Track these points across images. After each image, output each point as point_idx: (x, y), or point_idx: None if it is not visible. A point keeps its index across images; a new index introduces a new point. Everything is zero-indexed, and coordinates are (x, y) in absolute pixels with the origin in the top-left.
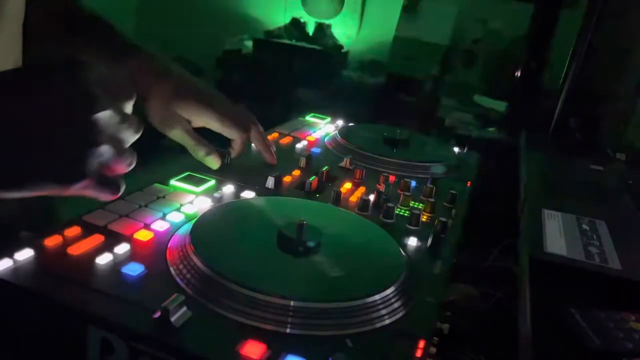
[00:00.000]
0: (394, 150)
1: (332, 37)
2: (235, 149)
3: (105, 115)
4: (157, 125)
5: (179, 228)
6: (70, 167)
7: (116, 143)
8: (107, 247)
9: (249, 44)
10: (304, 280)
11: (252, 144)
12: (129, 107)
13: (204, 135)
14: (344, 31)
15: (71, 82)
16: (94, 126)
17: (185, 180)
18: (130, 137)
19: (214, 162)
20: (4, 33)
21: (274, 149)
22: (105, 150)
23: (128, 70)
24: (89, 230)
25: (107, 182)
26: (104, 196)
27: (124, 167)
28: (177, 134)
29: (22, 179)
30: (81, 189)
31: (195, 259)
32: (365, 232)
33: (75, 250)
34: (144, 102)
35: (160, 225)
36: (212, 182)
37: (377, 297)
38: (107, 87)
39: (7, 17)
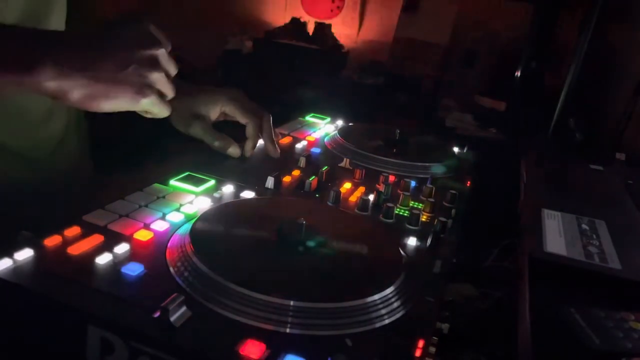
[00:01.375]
0: (394, 150)
1: (332, 37)
2: (249, 135)
3: (160, 52)
4: (181, 127)
5: (178, 228)
6: (142, 84)
7: (167, 74)
8: (107, 247)
9: (249, 44)
10: (304, 280)
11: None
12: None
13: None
14: (344, 31)
15: (138, 28)
16: (156, 57)
17: (185, 180)
18: (173, 71)
19: (234, 152)
20: (55, 14)
21: (278, 142)
22: (161, 76)
23: None
24: (89, 230)
25: (164, 101)
26: (164, 111)
27: (172, 92)
28: (198, 131)
29: (114, 92)
30: (149, 104)
31: (195, 258)
32: (365, 232)
33: (75, 250)
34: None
35: (160, 225)
36: (212, 182)
37: (377, 297)
38: (159, 35)
39: (55, 18)
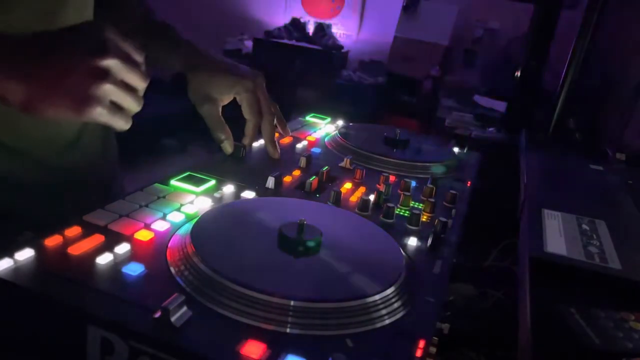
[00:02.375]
0: (394, 150)
1: (332, 37)
2: (247, 133)
3: (112, 61)
4: (193, 100)
5: (179, 228)
6: (82, 95)
7: (124, 85)
8: (108, 247)
9: (249, 44)
10: (304, 280)
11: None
12: (139, 58)
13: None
14: (344, 31)
15: (90, 35)
16: (103, 67)
17: (186, 180)
18: (138, 82)
19: (226, 148)
20: (70, 11)
21: (279, 143)
22: (110, 88)
23: (177, 56)
24: (89, 230)
25: (118, 113)
26: (117, 124)
27: (133, 105)
28: (205, 111)
29: (53, 100)
30: (97, 115)
31: (195, 259)
32: (365, 232)
33: (75, 250)
34: (188, 86)
35: (160, 225)
36: (212, 182)
37: (377, 297)
38: (118, 43)
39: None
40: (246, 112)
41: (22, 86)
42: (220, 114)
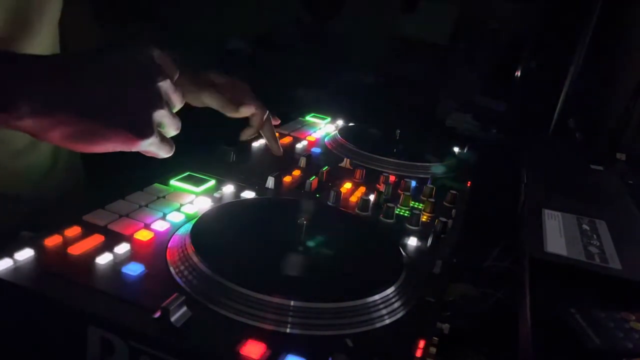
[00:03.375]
0: (394, 150)
1: (332, 36)
2: (254, 124)
3: (165, 84)
4: (192, 99)
5: (179, 228)
6: (141, 123)
7: (170, 108)
8: (107, 247)
9: (249, 44)
10: (304, 280)
11: (258, 139)
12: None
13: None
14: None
15: (141, 56)
16: (159, 92)
17: (185, 180)
18: (178, 104)
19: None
20: (44, 33)
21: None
22: (164, 113)
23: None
24: (89, 230)
25: (165, 140)
26: (164, 151)
27: (175, 129)
28: (209, 96)
29: (106, 130)
30: (148, 145)
31: (195, 259)
32: (365, 232)
33: (75, 250)
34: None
35: (160, 225)
36: (212, 182)
37: (377, 297)
38: (163, 62)
39: (47, 18)
40: (248, 108)
41: (64, 121)
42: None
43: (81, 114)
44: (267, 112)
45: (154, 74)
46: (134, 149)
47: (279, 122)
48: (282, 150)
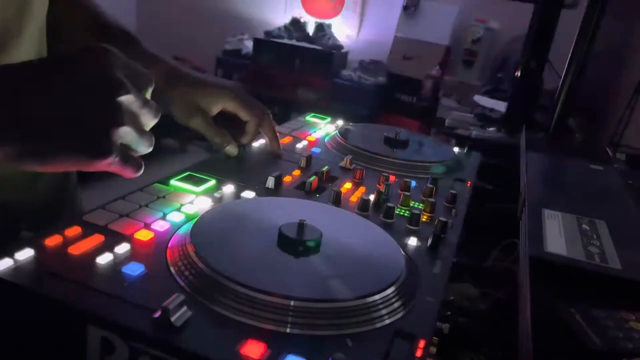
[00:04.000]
0: (394, 150)
1: (332, 37)
2: (249, 131)
3: (128, 99)
4: (181, 119)
5: (179, 228)
6: (96, 143)
7: (137, 125)
8: (108, 246)
9: (249, 44)
10: (304, 280)
11: (257, 140)
12: (148, 93)
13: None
14: (344, 31)
15: (97, 66)
16: (119, 107)
17: (186, 180)
18: (150, 121)
19: (231, 151)
20: (30, 29)
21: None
22: (127, 130)
23: (155, 73)
24: (89, 230)
25: (130, 159)
26: (128, 173)
27: (145, 147)
28: (198, 123)
29: (55, 151)
30: (106, 165)
31: (195, 258)
32: (365, 232)
33: (75, 250)
34: (168, 102)
35: (160, 225)
36: (212, 182)
37: (377, 297)
38: (129, 73)
39: (33, 15)
40: (245, 115)
41: (17, 137)
42: (213, 122)
43: (23, 134)
44: (265, 114)
45: (114, 87)
46: (92, 169)
47: (291, 138)
48: (282, 151)
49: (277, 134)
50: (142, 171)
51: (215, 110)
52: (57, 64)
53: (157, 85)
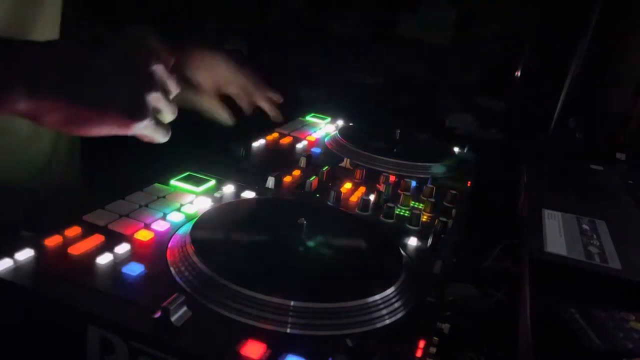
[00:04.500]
0: (394, 150)
1: (332, 36)
2: (242, 104)
3: (159, 69)
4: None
5: (179, 228)
6: (135, 105)
7: (165, 93)
8: (108, 247)
9: (249, 44)
10: (304, 280)
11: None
12: (169, 68)
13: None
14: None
15: (136, 42)
16: (153, 75)
17: (186, 180)
18: (174, 90)
19: (225, 117)
20: (44, 30)
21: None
22: (159, 96)
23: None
24: (89, 230)
25: (160, 124)
26: (159, 136)
27: (171, 114)
28: (188, 96)
29: (102, 112)
30: (143, 128)
31: (195, 258)
32: (365, 232)
33: (75, 250)
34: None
35: (160, 225)
36: (212, 182)
37: (377, 297)
38: (158, 49)
39: (45, 17)
40: (232, 89)
41: (58, 105)
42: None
43: (74, 99)
44: (252, 84)
45: (148, 59)
46: (129, 133)
47: (281, 100)
48: (281, 116)
49: (272, 100)
50: (169, 136)
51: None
52: (103, 41)
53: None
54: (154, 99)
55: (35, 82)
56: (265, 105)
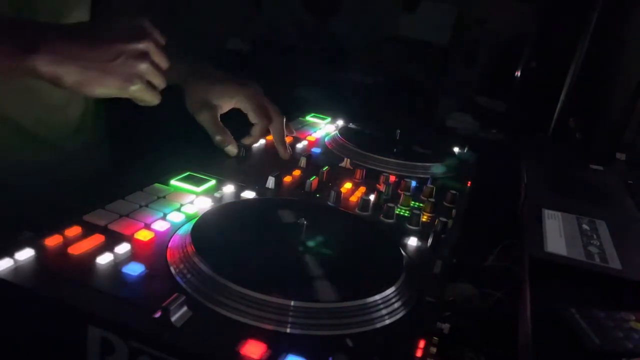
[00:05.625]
0: (394, 150)
1: (332, 37)
2: (253, 134)
3: (150, 45)
4: (190, 108)
5: (179, 228)
6: (126, 73)
7: (155, 65)
8: (108, 247)
9: (249, 44)
10: (304, 280)
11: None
12: (164, 43)
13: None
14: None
15: (133, 22)
16: (144, 49)
17: (186, 180)
18: (163, 64)
19: (231, 150)
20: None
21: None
22: (148, 67)
23: (180, 65)
24: (89, 230)
25: (151, 88)
26: (150, 97)
27: (161, 82)
28: (204, 120)
29: (103, 76)
30: (136, 90)
31: (195, 259)
32: (365, 232)
33: (75, 250)
34: (185, 91)
35: (160, 225)
36: (213, 182)
37: (377, 297)
38: (151, 29)
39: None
40: (253, 117)
41: (74, 69)
42: (219, 120)
43: (87, 66)
44: (274, 120)
45: (141, 36)
46: (127, 94)
47: (294, 134)
48: (289, 153)
49: (286, 140)
50: (159, 100)
51: (225, 107)
52: (107, 22)
53: (175, 78)
54: (146, 69)
55: (56, 49)
56: (279, 147)
